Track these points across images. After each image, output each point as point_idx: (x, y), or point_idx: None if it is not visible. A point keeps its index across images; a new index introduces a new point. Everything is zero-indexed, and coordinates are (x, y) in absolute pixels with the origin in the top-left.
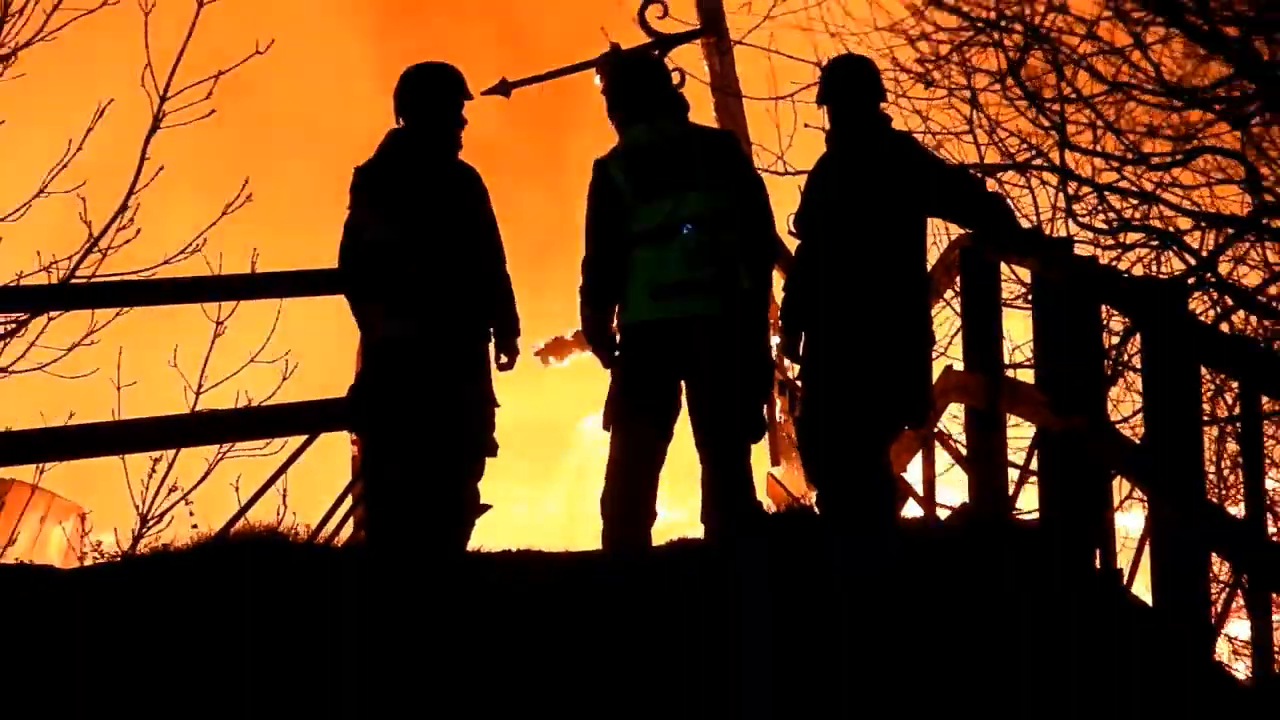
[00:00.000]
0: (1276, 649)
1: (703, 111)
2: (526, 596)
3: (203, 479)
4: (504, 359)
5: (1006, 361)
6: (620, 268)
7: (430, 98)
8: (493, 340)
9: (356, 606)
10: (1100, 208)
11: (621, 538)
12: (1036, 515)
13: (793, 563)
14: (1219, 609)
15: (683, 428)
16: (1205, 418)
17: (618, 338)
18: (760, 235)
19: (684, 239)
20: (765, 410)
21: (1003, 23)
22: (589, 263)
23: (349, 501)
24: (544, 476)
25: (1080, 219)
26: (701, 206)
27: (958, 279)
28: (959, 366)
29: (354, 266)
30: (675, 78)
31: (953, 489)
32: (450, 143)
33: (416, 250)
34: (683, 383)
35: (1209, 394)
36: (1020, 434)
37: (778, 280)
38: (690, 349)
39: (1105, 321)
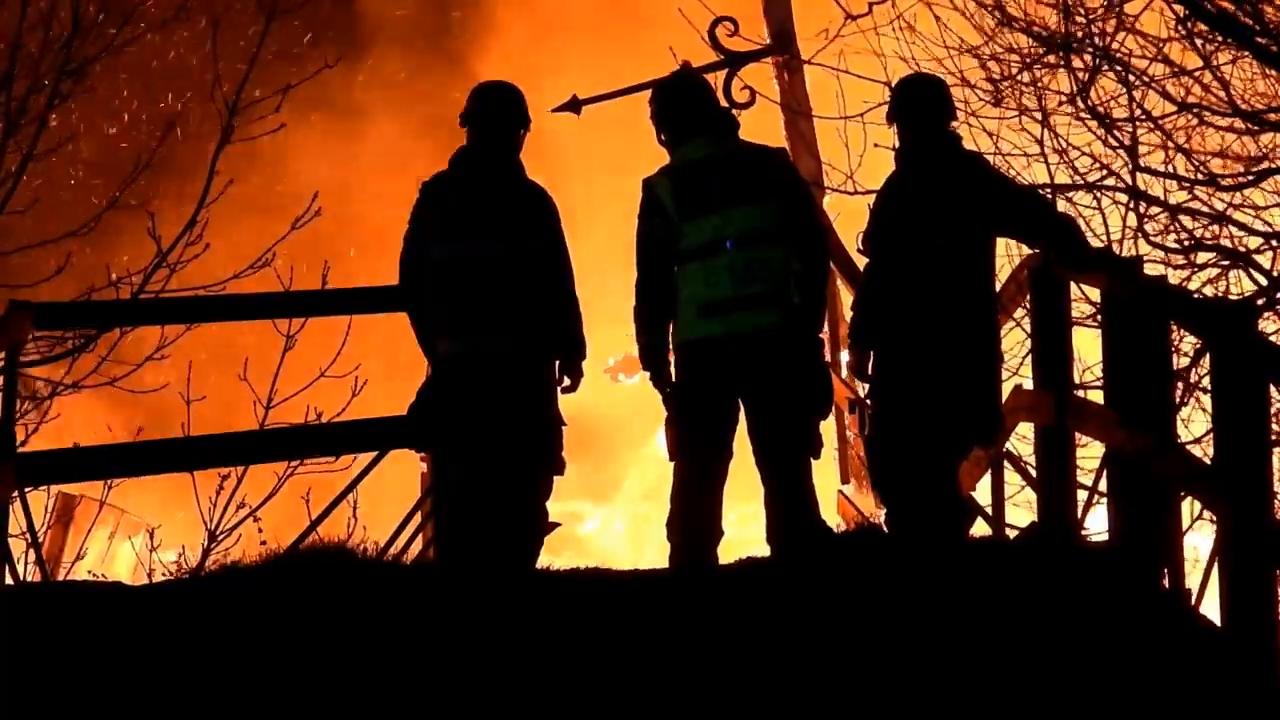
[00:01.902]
0: None
1: (772, 129)
2: (593, 615)
3: (271, 495)
4: (567, 381)
5: (1076, 381)
6: (671, 287)
7: (490, 116)
8: (558, 360)
9: (424, 623)
10: (1171, 228)
11: (689, 560)
12: (1106, 535)
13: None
14: None
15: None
16: (1275, 438)
17: (672, 358)
18: (810, 249)
19: (731, 255)
20: (837, 428)
21: (1073, 43)
22: (638, 284)
23: (418, 518)
24: (612, 495)
25: (1151, 239)
26: (748, 222)
27: (1027, 298)
28: (1028, 385)
29: (415, 283)
30: (745, 95)
31: (1022, 509)
32: (511, 161)
33: (478, 268)
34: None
35: (1278, 413)
36: (1089, 454)
37: (847, 298)
38: (742, 365)
39: (1175, 344)
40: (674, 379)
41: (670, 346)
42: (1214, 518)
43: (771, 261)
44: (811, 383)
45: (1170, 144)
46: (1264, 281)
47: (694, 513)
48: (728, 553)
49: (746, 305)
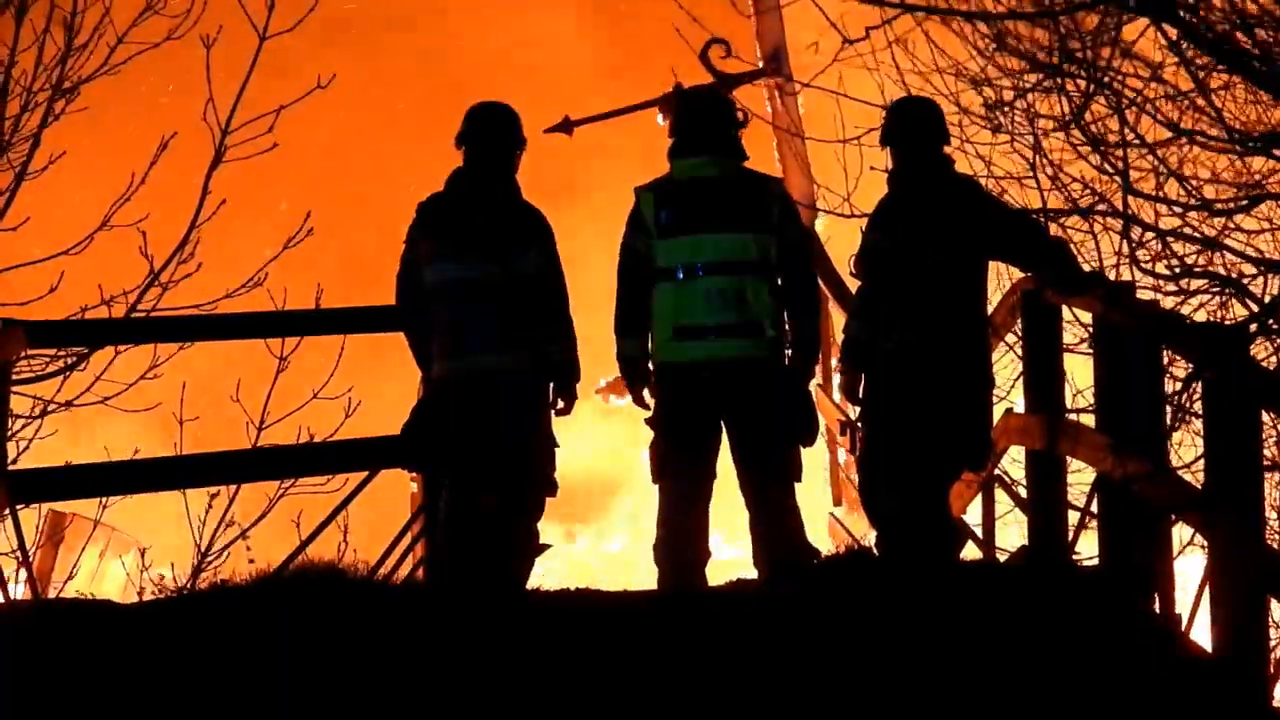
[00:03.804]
0: None
1: (765, 150)
2: (582, 637)
3: (263, 515)
4: (561, 404)
5: (1068, 405)
6: (648, 300)
7: (486, 137)
8: (552, 383)
9: (414, 644)
10: (1163, 254)
11: (676, 582)
12: (1096, 559)
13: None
14: (1278, 655)
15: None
16: (1267, 463)
17: (653, 376)
18: (799, 286)
19: (705, 281)
20: (828, 450)
21: (1067, 66)
22: (617, 294)
23: (408, 538)
24: (603, 515)
25: (1143, 265)
26: (723, 250)
27: (1019, 322)
28: (1020, 409)
29: (411, 304)
30: (739, 118)
31: (1012, 531)
32: (507, 182)
33: (473, 289)
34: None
35: (1271, 439)
36: (1081, 477)
37: (839, 320)
38: (718, 392)
39: (1167, 367)
40: (655, 397)
41: (650, 361)
42: (1205, 543)
43: (744, 292)
44: (791, 411)
45: (1163, 169)
46: (1255, 308)
47: (679, 535)
48: (719, 572)
49: (717, 333)
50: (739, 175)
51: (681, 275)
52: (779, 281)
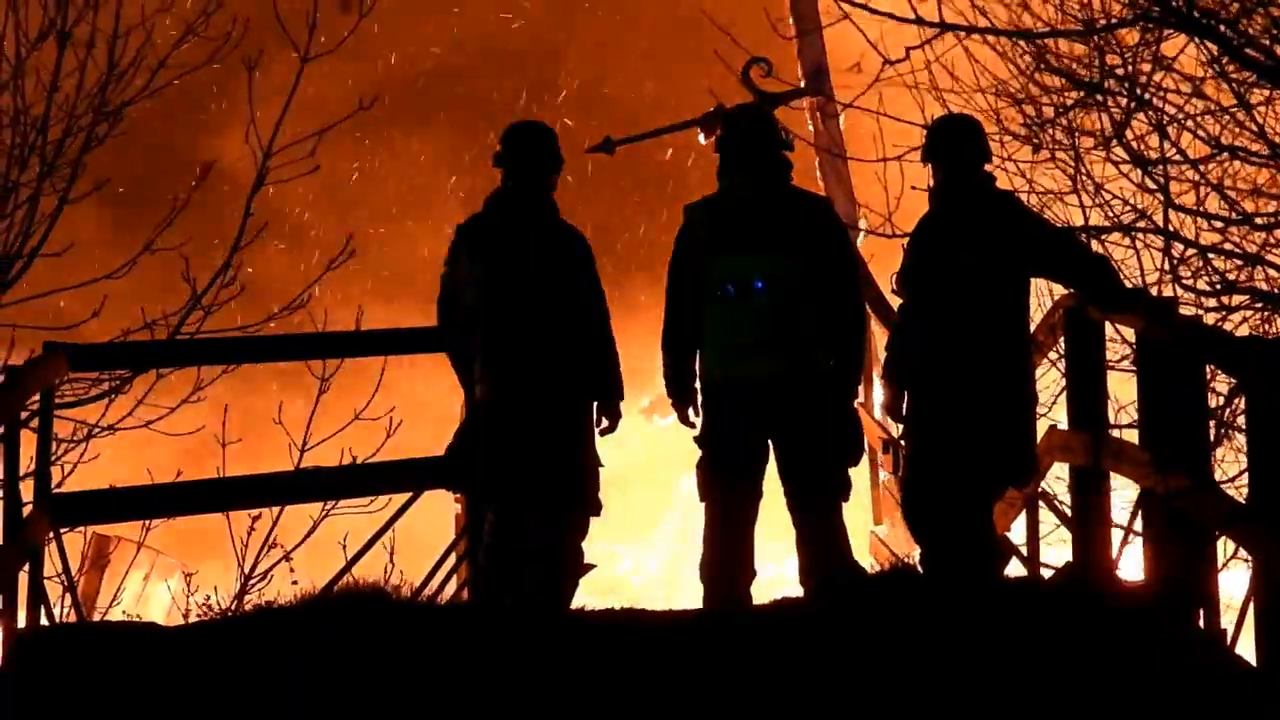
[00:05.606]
0: None
1: (807, 171)
2: (627, 656)
3: (307, 536)
4: (605, 423)
5: (1111, 421)
6: (697, 318)
7: (523, 159)
8: (596, 402)
9: (459, 665)
10: (1204, 270)
11: (721, 601)
12: (1141, 575)
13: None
14: None
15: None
16: None
17: (699, 394)
18: (844, 302)
19: (752, 299)
20: (870, 469)
21: (1107, 83)
22: (666, 312)
23: (453, 559)
24: (647, 535)
25: (1184, 281)
26: (770, 269)
27: (1062, 338)
28: (1063, 426)
29: (452, 326)
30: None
31: (1057, 549)
32: (546, 204)
33: (514, 311)
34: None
35: None
36: (1124, 494)
37: (881, 338)
38: (763, 410)
39: (1209, 383)
40: (702, 415)
41: (698, 379)
42: (1249, 558)
43: (790, 310)
44: (837, 429)
45: (1204, 183)
46: None
47: (725, 554)
48: (764, 590)
49: (763, 351)
50: (787, 194)
51: (729, 293)
52: (824, 299)
